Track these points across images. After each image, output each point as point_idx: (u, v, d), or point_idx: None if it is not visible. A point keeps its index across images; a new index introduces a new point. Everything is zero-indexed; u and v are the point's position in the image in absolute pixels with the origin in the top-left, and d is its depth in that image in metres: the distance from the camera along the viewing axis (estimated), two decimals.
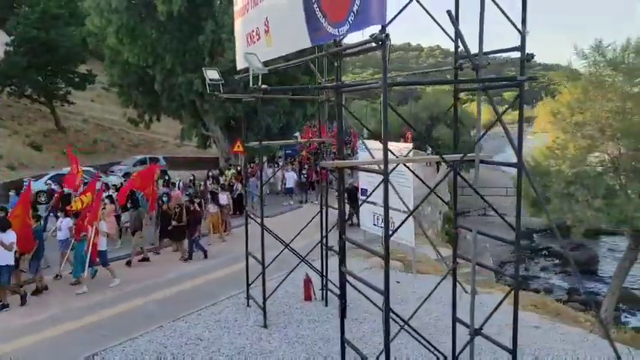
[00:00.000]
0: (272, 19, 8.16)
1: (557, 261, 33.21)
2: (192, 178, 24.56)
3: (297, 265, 10.85)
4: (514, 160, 6.44)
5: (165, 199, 16.99)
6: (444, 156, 6.55)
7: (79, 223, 13.01)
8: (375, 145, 13.59)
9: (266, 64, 9.57)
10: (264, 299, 10.30)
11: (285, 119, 31.43)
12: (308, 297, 11.91)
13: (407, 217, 7.12)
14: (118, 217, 17.33)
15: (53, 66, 38.93)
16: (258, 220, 10.05)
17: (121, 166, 35.05)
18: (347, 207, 19.80)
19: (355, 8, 5.67)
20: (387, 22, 5.37)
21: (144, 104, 31.41)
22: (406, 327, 7.06)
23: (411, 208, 13.11)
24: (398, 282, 13.29)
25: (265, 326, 10.24)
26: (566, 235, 34.50)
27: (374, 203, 14.08)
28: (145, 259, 15.46)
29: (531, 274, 30.82)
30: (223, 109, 28.46)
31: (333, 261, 11.37)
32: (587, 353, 9.35)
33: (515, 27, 5.89)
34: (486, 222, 40.11)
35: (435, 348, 7.02)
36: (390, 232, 6.36)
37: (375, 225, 14.56)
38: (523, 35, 5.87)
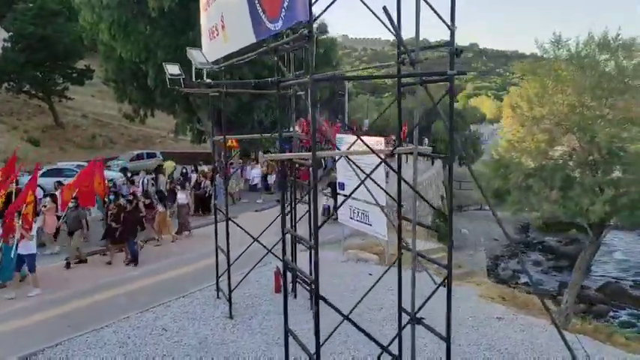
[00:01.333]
0: (226, 15, 8.32)
1: (550, 255, 33.25)
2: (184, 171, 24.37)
3: (264, 256, 10.97)
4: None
5: (112, 197, 15.99)
6: (379, 150, 6.68)
7: (6, 223, 12.01)
8: (352, 139, 13.77)
9: (226, 58, 9.76)
10: (230, 291, 10.50)
11: (277, 113, 31.59)
12: (278, 289, 12.08)
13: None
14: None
15: (51, 62, 39.26)
16: (230, 216, 10.24)
17: (118, 161, 35.37)
18: (332, 201, 20.04)
19: (286, 5, 5.82)
20: (314, 18, 5.52)
21: (138, 99, 31.63)
22: (351, 317, 7.19)
23: (383, 202, 13.29)
24: (370, 274, 13.47)
25: (231, 317, 10.44)
26: (563, 230, 34.52)
27: (352, 197, 14.24)
28: (82, 261, 14.34)
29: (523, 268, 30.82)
30: (215, 104, 28.60)
31: (305, 254, 11.57)
32: (542, 343, 9.50)
33: (445, 23, 6.02)
34: (480, 217, 40.34)
35: (373, 339, 7.15)
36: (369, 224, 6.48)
37: (352, 219, 14.68)
38: (452, 31, 6.00)
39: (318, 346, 6.04)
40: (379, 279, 8.00)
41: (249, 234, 10.75)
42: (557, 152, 9.41)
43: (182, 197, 18.13)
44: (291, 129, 38.48)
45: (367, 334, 6.86)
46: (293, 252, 11.66)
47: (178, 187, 19.16)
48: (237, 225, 10.66)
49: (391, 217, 17.77)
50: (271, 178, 26.28)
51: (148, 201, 16.79)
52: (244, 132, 24.27)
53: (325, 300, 6.53)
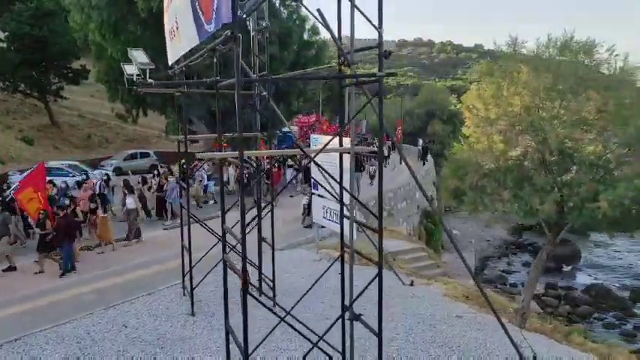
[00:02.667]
0: (178, 17, 8.48)
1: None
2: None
3: (227, 252, 11.08)
4: None
5: (66, 201, 15.51)
6: (305, 149, 6.81)
7: None
8: (326, 140, 13.90)
9: (184, 58, 9.91)
10: (192, 288, 10.66)
11: (268, 114, 31.70)
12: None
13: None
14: None
15: (46, 62, 39.51)
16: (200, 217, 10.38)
17: (112, 160, 35.61)
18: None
19: (215, 7, 5.98)
20: (237, 19, 5.66)
21: (130, 99, 31.80)
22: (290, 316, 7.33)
23: (346, 200, 13.42)
24: (339, 273, 13.56)
25: (193, 314, 10.59)
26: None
27: (323, 197, 14.37)
28: (12, 269, 13.68)
29: (512, 269, 30.92)
30: (205, 103, 28.79)
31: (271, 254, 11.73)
32: (496, 341, 9.60)
33: (373, 25, 6.15)
34: (472, 218, 40.37)
35: (304, 336, 7.29)
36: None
37: (324, 218, 14.80)
38: (380, 33, 6.13)
39: (245, 340, 6.16)
40: (319, 278, 8.08)
41: (214, 234, 10.91)
42: (513, 153, 9.52)
43: (130, 202, 17.23)
44: (287, 128, 38.09)
45: (299, 332, 6.99)
46: (259, 253, 11.76)
47: (126, 191, 18.21)
48: (204, 226, 10.82)
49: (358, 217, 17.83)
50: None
51: (93, 205, 16.08)
52: (234, 131, 24.41)
53: (255, 297, 6.66)
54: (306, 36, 31.32)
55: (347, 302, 7.90)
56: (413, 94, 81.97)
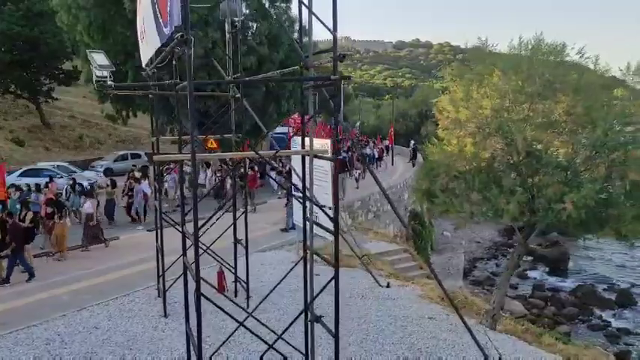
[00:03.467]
0: (145, 18, 8.51)
1: (529, 258, 33.33)
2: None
3: (201, 254, 11.06)
4: None
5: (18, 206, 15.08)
6: (261, 152, 6.85)
7: None
8: (316, 142, 13.94)
9: (152, 60, 9.94)
10: (164, 290, 10.68)
11: (258, 115, 31.70)
12: (221, 288, 12.24)
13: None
14: None
15: (37, 62, 39.47)
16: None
17: (102, 161, 35.58)
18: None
19: (168, 10, 6.01)
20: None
21: (118, 101, 31.81)
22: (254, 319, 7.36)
23: (329, 203, 13.45)
24: (317, 275, 13.58)
25: (165, 316, 10.61)
26: (545, 233, 34.59)
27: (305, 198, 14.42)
28: None
29: (500, 271, 30.93)
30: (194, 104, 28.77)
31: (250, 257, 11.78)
32: (464, 342, 9.63)
33: (329, 30, 6.19)
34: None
35: (261, 339, 7.33)
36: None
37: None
38: (335, 37, 6.17)
39: (199, 342, 6.19)
40: (285, 276, 8.08)
41: (188, 237, 10.91)
42: (482, 155, 9.56)
43: (87, 206, 16.45)
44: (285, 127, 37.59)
45: (256, 335, 7.02)
46: (235, 256, 11.77)
47: (83, 196, 17.61)
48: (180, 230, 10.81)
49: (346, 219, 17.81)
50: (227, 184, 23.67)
51: (50, 209, 15.39)
52: (223, 133, 24.45)
53: (210, 300, 6.70)
54: (295, 37, 31.37)
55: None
56: (410, 95, 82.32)
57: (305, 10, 7.06)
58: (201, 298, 6.13)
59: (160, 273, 11.37)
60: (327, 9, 6.31)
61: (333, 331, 6.85)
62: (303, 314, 7.67)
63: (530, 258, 33.31)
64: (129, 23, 27.12)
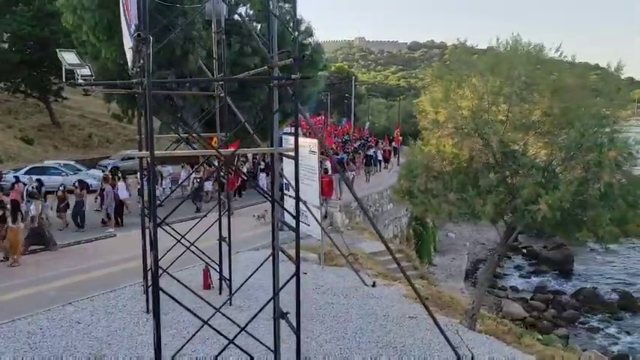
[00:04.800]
0: (122, 20, 8.68)
1: (533, 260, 33.15)
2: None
3: (184, 251, 11.20)
4: None
5: None
6: (221, 150, 6.94)
7: None
8: (304, 141, 14.05)
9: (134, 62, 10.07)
10: (147, 286, 10.80)
11: (262, 115, 31.92)
12: (207, 286, 12.40)
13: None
14: None
15: (47, 62, 39.95)
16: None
17: (110, 160, 35.96)
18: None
19: (130, 7, 6.15)
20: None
21: (124, 100, 32.16)
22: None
23: (317, 203, 13.55)
24: (305, 273, 13.67)
25: (148, 312, 10.74)
26: (550, 235, 34.47)
27: (293, 197, 14.52)
28: None
29: (503, 272, 30.83)
30: (199, 104, 29.06)
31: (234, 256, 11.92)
32: (441, 341, 9.59)
33: (289, 30, 6.28)
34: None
35: (221, 334, 7.42)
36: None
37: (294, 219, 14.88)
38: (295, 39, 6.26)
39: (158, 340, 6.30)
40: (254, 272, 8.14)
41: (178, 240, 11.06)
42: (460, 156, 9.58)
43: (32, 208, 15.88)
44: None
45: (220, 333, 7.11)
46: (220, 255, 11.85)
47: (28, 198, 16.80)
48: (171, 232, 10.93)
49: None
50: (208, 185, 23.75)
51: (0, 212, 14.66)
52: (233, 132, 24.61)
53: (173, 298, 6.80)
54: (299, 38, 31.55)
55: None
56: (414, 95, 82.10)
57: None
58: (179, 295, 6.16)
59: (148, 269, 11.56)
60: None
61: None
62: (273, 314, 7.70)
63: (534, 260, 33.15)
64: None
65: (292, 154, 6.97)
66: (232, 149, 7.46)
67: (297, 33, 6.28)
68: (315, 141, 13.64)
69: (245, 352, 7.32)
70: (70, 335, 9.65)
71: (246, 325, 7.12)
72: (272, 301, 7.73)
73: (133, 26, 6.27)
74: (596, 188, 8.52)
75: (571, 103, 9.00)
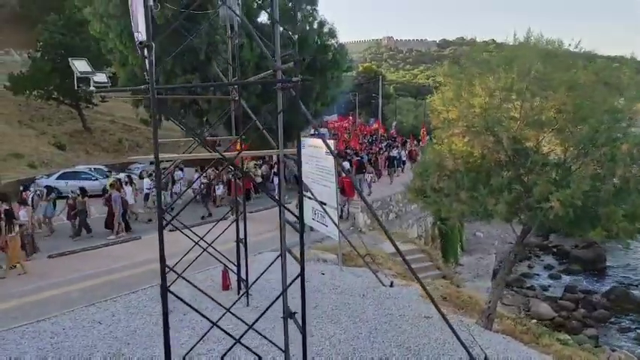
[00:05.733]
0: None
1: (563, 260, 32.53)
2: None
3: (200, 253, 11.36)
4: None
5: None
6: (226, 153, 7.06)
7: None
8: (316, 143, 14.15)
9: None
10: (166, 287, 11.00)
11: (285, 117, 32.11)
12: (225, 287, 12.58)
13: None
14: None
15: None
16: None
17: (139, 164, 36.64)
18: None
19: (136, 22, 6.32)
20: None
21: (149, 104, 32.76)
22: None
23: (334, 204, 13.61)
24: (323, 273, 13.77)
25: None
26: (581, 235, 33.98)
27: (312, 199, 14.61)
28: None
29: (532, 272, 30.35)
30: (223, 107, 29.37)
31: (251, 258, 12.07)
32: (455, 341, 9.53)
33: (290, 36, 6.37)
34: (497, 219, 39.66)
35: (225, 332, 7.54)
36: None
37: (313, 220, 15.00)
38: (294, 43, 6.35)
39: (167, 342, 6.45)
40: (262, 273, 8.23)
41: (196, 242, 11.26)
42: (471, 154, 9.52)
43: (22, 214, 15.86)
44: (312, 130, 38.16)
45: (226, 332, 7.22)
46: (238, 256, 11.97)
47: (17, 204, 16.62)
48: (186, 234, 11.18)
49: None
50: (219, 189, 23.46)
51: None
52: (250, 135, 24.90)
53: (180, 298, 6.93)
54: (322, 40, 31.60)
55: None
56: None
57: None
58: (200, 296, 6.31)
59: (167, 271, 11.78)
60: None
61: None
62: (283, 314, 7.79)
63: (564, 259, 32.54)
64: (158, 30, 28.00)
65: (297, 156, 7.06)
66: (236, 152, 7.56)
67: (297, 36, 6.35)
68: (332, 142, 13.72)
69: (252, 351, 7.42)
70: (92, 335, 9.92)
71: (254, 323, 7.24)
72: (284, 301, 7.82)
73: (137, 33, 6.44)
74: (610, 184, 8.39)
75: (584, 99, 8.84)
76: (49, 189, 20.30)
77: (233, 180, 20.85)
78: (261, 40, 7.70)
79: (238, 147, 26.21)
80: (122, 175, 25.37)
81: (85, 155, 39.43)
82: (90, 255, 16.11)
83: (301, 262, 6.86)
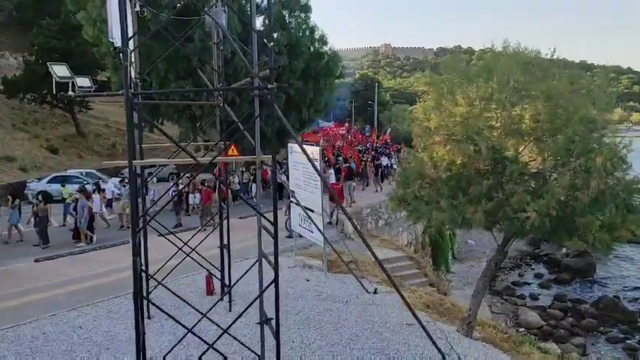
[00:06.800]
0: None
1: (554, 268, 32.62)
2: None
3: (183, 259, 11.40)
4: None
5: None
6: (200, 159, 7.12)
7: None
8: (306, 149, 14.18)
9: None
10: (147, 292, 11.02)
11: (278, 124, 32.17)
12: (210, 292, 12.60)
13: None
14: None
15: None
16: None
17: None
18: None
19: (111, 26, 6.39)
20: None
21: (144, 109, 32.78)
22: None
23: (319, 210, 13.66)
24: (308, 280, 13.81)
25: (149, 317, 10.95)
26: (561, 244, 34.01)
27: (299, 205, 14.68)
28: None
29: (522, 281, 30.41)
30: (215, 113, 29.45)
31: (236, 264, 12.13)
32: (435, 348, 9.60)
33: (266, 43, 6.45)
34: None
35: (200, 338, 7.57)
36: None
37: (300, 226, 15.06)
38: (272, 51, 6.43)
39: (138, 345, 6.48)
40: (240, 278, 8.28)
41: (180, 248, 11.31)
42: (451, 163, 9.60)
43: None
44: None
45: (200, 338, 7.24)
46: (222, 262, 11.97)
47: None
48: (171, 241, 11.22)
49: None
50: (193, 198, 22.72)
51: None
52: (245, 142, 24.95)
53: (155, 304, 6.97)
54: (315, 47, 31.82)
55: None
56: None
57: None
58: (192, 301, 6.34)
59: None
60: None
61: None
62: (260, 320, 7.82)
63: (555, 268, 32.63)
64: (152, 36, 28.09)
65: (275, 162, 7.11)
66: (209, 158, 7.61)
67: (272, 44, 6.43)
68: (317, 149, 13.81)
69: (223, 355, 7.44)
70: (72, 339, 9.93)
71: (228, 327, 7.27)
72: (260, 306, 7.85)
73: (110, 39, 6.52)
74: (585, 194, 8.46)
75: (559, 109, 8.94)
76: (40, 194, 20.06)
77: (205, 188, 20.94)
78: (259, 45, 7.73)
79: (231, 152, 26.32)
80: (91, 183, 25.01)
81: (78, 159, 39.46)
82: (77, 259, 16.13)
83: (275, 267, 6.90)
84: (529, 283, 30.08)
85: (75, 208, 18.43)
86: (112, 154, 43.17)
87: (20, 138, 38.28)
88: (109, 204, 23.00)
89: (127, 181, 23.89)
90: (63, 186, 23.84)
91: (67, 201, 19.96)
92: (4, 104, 42.16)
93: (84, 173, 30.96)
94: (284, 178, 26.51)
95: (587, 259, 31.64)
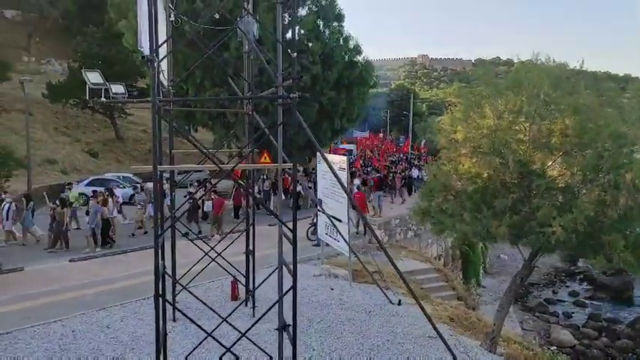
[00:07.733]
0: None
1: (589, 286, 31.77)
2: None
3: (209, 263, 11.56)
4: None
5: None
6: (222, 165, 7.25)
7: None
8: (331, 158, 14.29)
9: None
10: (174, 295, 11.25)
11: (311, 132, 32.37)
12: (234, 297, 12.75)
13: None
14: None
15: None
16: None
17: (166, 174, 37.30)
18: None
19: (140, 36, 6.62)
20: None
21: (179, 116, 33.47)
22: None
23: (345, 220, 13.69)
24: (332, 289, 13.83)
25: (174, 320, 11.16)
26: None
27: (325, 214, 14.74)
28: None
29: (555, 298, 29.72)
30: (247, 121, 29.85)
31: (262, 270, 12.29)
32: None
33: (290, 54, 6.56)
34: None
35: (220, 344, 7.66)
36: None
37: (326, 234, 15.11)
38: (295, 60, 6.53)
39: (158, 346, 6.62)
40: (261, 284, 8.36)
41: (206, 252, 11.51)
42: (477, 175, 9.53)
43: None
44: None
45: (220, 343, 7.35)
46: (247, 268, 12.10)
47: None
48: (198, 246, 11.44)
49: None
50: (207, 205, 22.11)
51: None
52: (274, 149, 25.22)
53: (177, 308, 7.12)
54: (349, 56, 31.89)
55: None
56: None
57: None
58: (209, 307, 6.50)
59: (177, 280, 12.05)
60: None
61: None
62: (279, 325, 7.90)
63: (590, 286, 31.80)
64: (188, 43, 28.70)
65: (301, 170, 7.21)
66: (232, 165, 7.74)
67: (295, 54, 6.54)
68: (344, 158, 13.87)
69: (236, 356, 7.51)
70: (98, 338, 10.20)
71: (246, 332, 7.37)
72: (279, 312, 7.93)
73: (140, 48, 6.74)
74: (614, 211, 8.29)
75: (589, 123, 8.79)
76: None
77: (218, 198, 20.98)
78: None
79: (263, 160, 26.50)
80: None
81: (116, 163, 40.44)
82: (109, 260, 16.55)
83: (294, 274, 6.97)
84: (563, 301, 29.36)
85: (87, 212, 18.39)
86: (148, 158, 44.02)
87: (62, 141, 39.49)
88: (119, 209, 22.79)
89: (141, 187, 24.28)
90: (69, 189, 23.97)
91: (73, 205, 20.09)
92: (47, 109, 43.60)
93: (121, 177, 31.69)
94: (307, 186, 26.66)
95: (624, 277, 30.72)
